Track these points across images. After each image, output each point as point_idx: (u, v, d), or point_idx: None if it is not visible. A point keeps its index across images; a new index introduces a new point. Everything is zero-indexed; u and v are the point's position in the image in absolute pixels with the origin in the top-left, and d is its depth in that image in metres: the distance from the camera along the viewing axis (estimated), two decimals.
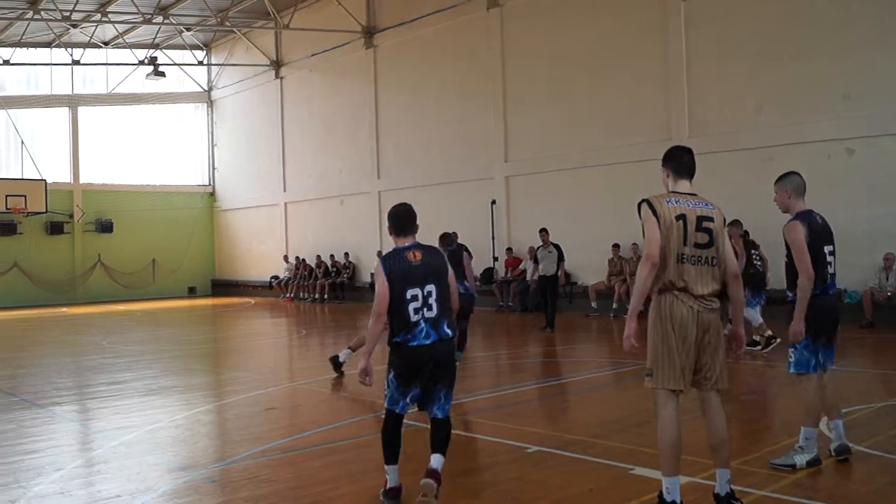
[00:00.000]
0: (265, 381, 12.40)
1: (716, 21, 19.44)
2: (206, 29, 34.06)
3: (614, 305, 20.22)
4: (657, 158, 6.03)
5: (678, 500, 5.31)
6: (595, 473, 6.71)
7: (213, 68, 37.93)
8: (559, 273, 18.30)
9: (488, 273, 24.23)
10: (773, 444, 7.28)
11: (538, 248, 19.05)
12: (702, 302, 5.36)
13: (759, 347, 13.25)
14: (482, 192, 24.80)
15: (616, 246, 20.89)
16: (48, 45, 33.08)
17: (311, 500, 6.20)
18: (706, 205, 5.50)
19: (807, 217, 6.67)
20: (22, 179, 32.67)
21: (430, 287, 5.96)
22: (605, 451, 7.31)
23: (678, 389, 5.38)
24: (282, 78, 33.87)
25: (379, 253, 27.77)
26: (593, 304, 20.89)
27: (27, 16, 28.78)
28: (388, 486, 6.01)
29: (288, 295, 31.60)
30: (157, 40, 34.19)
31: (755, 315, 13.19)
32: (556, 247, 18.10)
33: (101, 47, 33.82)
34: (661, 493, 5.38)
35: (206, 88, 38.07)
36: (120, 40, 33.22)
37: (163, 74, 32.26)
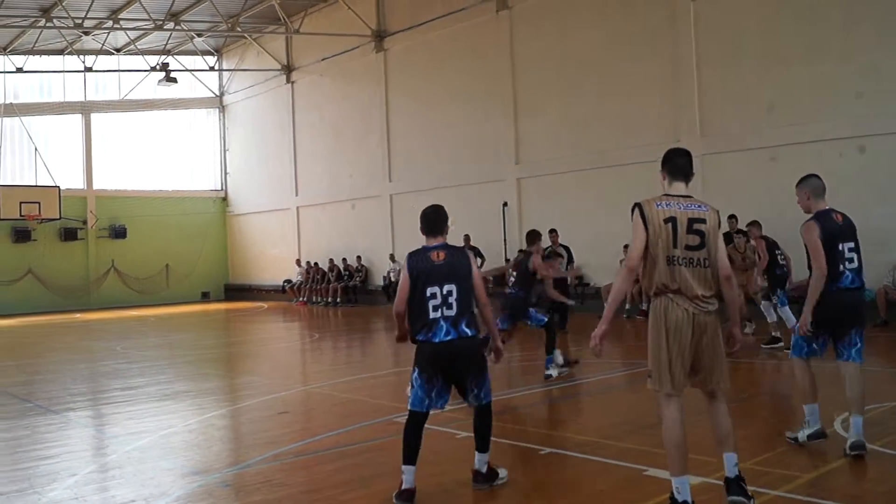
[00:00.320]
0: (278, 385, 12.42)
1: (724, 22, 19.40)
2: (217, 34, 34.16)
3: (627, 306, 20.15)
4: None
5: (689, 500, 5.30)
6: (608, 475, 6.70)
7: (225, 74, 38.05)
8: (568, 275, 18.32)
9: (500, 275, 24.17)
10: (784, 444, 7.25)
11: (547, 249, 18.99)
12: (698, 304, 5.38)
13: (782, 344, 13.26)
14: (494, 194, 24.79)
15: (627, 247, 20.80)
16: (61, 52, 33.33)
17: None
18: (699, 206, 5.51)
19: (821, 217, 6.92)
20: (36, 186, 32.81)
21: (451, 287, 6.13)
22: (618, 452, 7.29)
23: (673, 394, 5.41)
24: (293, 82, 33.96)
25: (391, 255, 27.91)
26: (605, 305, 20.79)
27: (40, 23, 29.01)
28: (402, 488, 6.03)
29: (301, 299, 31.67)
30: (168, 46, 34.34)
31: (789, 314, 13.15)
32: (566, 248, 18.07)
33: (113, 54, 34.01)
34: (671, 494, 5.38)
35: (217, 94, 38.20)
36: (132, 47, 33.38)
37: (174, 80, 32.42)
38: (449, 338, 6.07)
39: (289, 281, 33.20)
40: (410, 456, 6.07)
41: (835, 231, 6.88)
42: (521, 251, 12.71)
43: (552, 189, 23.26)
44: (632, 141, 21.03)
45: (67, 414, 10.39)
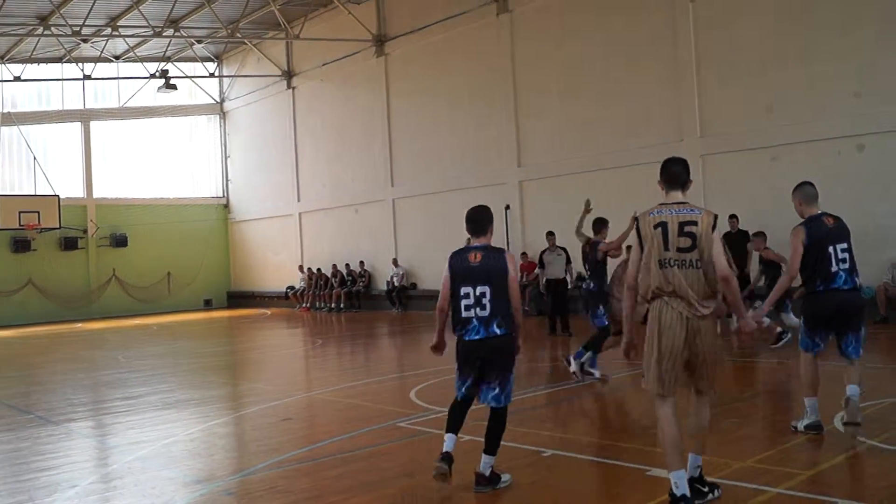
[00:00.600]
0: (281, 391, 12.38)
1: (724, 22, 19.39)
2: (217, 41, 34.19)
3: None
4: None
5: (688, 494, 5.42)
6: (611, 476, 6.70)
7: (225, 80, 38.04)
8: (568, 276, 18.31)
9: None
10: (785, 442, 7.27)
11: (544, 251, 18.94)
12: (692, 308, 5.50)
13: (790, 334, 13.33)
14: (496, 197, 24.68)
15: (628, 248, 20.77)
16: (59, 60, 33.24)
17: None
18: (691, 210, 5.64)
19: (809, 222, 7.43)
20: (35, 195, 32.62)
21: (484, 288, 6.34)
22: (620, 453, 7.31)
23: (665, 394, 5.59)
24: (294, 88, 33.94)
25: (394, 260, 27.91)
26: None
27: (37, 32, 28.97)
28: (443, 451, 6.28)
29: (304, 305, 31.64)
30: (168, 53, 34.37)
31: (793, 319, 13.18)
32: (564, 250, 18.07)
33: (112, 61, 33.97)
34: (670, 489, 5.48)
35: (218, 100, 38.18)
36: (131, 54, 33.42)
37: (174, 87, 32.37)
38: (478, 337, 6.32)
39: (292, 287, 33.18)
40: (449, 427, 6.40)
41: (822, 235, 7.31)
42: (587, 241, 12.77)
43: (554, 191, 23.22)
44: (633, 142, 21.01)
45: (68, 424, 10.35)
